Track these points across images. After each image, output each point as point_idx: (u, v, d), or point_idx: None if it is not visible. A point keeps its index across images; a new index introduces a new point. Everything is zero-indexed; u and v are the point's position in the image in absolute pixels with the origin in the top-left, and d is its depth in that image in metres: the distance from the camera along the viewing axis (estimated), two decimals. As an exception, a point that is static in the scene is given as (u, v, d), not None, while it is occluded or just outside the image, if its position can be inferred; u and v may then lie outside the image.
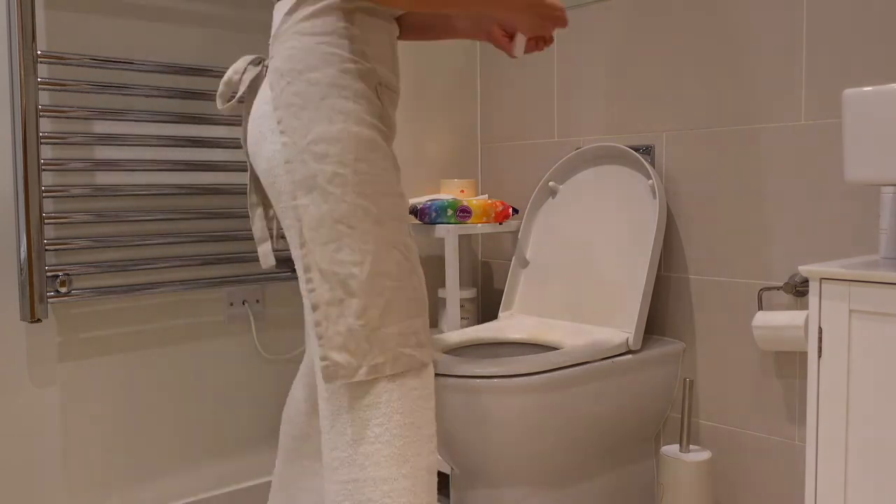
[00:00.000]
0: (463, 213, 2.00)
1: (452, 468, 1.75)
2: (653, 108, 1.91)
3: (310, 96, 1.22)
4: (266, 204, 1.43)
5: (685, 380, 1.74)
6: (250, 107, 1.37)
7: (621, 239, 1.88)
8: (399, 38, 1.43)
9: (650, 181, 1.82)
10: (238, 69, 1.37)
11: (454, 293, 1.98)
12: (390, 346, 1.21)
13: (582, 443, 1.71)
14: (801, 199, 1.67)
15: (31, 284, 1.56)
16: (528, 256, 2.07)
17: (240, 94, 1.35)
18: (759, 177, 1.73)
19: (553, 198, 2.05)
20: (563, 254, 1.99)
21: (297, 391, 1.51)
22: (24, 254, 1.56)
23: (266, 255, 1.40)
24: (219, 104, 1.39)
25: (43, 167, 1.60)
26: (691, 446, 1.73)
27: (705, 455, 1.69)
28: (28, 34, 1.53)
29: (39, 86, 1.58)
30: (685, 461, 1.67)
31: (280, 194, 1.24)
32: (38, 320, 1.58)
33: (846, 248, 1.61)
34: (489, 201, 2.06)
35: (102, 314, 1.73)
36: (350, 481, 1.21)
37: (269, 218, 1.43)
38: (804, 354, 1.68)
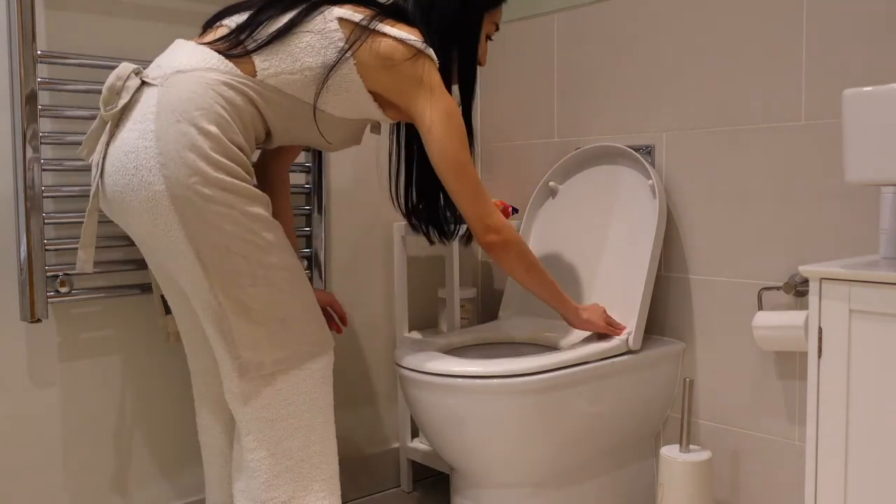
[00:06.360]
0: (463, 213, 2.00)
1: (452, 468, 1.75)
2: (653, 108, 1.91)
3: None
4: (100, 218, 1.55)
5: (685, 380, 1.74)
6: (117, 124, 1.38)
7: (621, 239, 1.88)
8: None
9: (650, 181, 1.82)
10: (121, 76, 1.39)
11: (454, 293, 1.98)
12: (290, 343, 1.40)
13: (582, 443, 1.71)
14: (801, 199, 1.67)
15: (31, 284, 1.56)
16: (528, 256, 2.07)
17: (122, 102, 1.37)
18: (759, 177, 1.73)
19: (553, 198, 2.05)
20: (563, 254, 1.99)
21: (209, 419, 1.62)
22: (24, 254, 1.56)
23: (87, 261, 1.45)
24: (102, 110, 1.39)
25: (43, 167, 1.60)
26: (691, 446, 1.73)
27: (705, 455, 1.69)
28: (28, 34, 1.53)
29: (39, 86, 1.58)
30: (685, 461, 1.67)
31: (169, 230, 1.33)
32: (38, 320, 1.58)
33: (846, 248, 1.61)
34: (489, 201, 2.06)
35: (102, 314, 1.73)
36: (268, 454, 1.40)
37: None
38: (804, 354, 1.68)
